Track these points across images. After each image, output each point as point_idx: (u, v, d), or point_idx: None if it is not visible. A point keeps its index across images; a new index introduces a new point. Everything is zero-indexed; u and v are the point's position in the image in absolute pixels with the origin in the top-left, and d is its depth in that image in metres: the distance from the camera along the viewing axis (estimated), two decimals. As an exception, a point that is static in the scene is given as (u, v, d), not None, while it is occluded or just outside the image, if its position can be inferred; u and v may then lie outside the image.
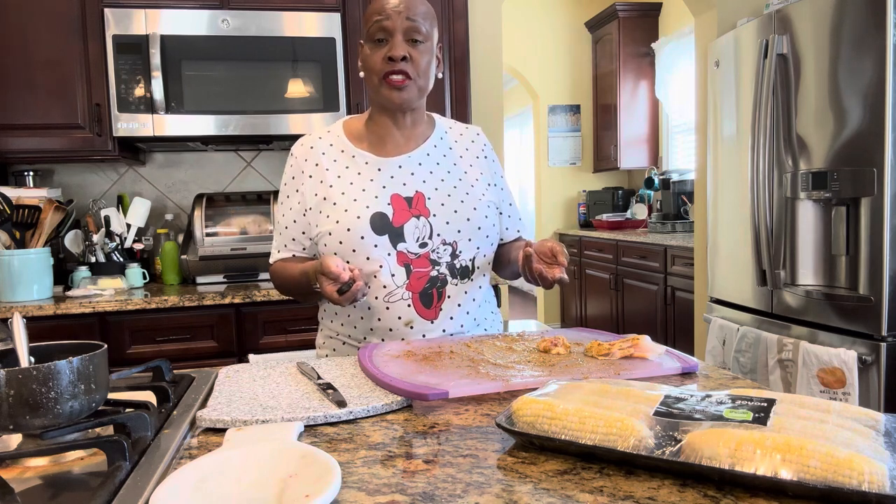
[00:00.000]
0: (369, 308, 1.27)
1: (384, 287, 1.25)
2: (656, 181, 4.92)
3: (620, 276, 4.64)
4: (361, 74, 1.31)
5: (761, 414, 0.66)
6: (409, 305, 1.25)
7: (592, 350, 1.07)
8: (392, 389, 0.91)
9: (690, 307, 3.64)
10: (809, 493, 0.57)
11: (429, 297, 1.26)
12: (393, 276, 1.25)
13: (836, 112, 2.11)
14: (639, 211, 5.21)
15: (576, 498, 0.61)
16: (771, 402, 0.69)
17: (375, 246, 1.24)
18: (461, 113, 2.63)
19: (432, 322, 1.27)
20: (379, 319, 1.27)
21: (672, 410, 0.70)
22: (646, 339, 1.07)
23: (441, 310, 1.27)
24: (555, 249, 1.16)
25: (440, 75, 1.35)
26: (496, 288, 1.73)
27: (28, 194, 2.31)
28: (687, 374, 1.00)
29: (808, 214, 2.27)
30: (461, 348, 1.12)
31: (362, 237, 1.24)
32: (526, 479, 0.65)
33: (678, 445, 0.64)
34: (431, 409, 0.88)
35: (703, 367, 1.05)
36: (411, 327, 1.26)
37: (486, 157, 1.41)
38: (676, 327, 3.91)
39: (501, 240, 1.42)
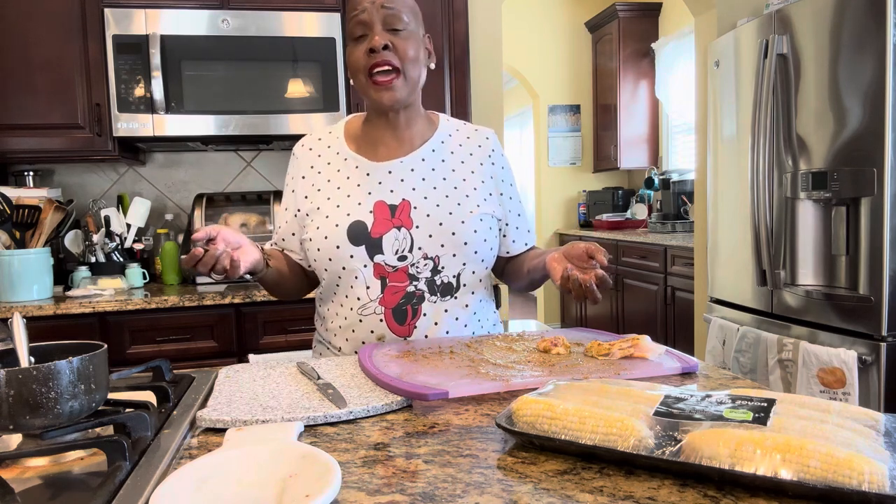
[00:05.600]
0: (346, 318, 1.25)
1: (358, 299, 1.22)
2: (656, 181, 4.92)
3: (620, 276, 4.64)
4: (352, 82, 1.25)
5: (761, 414, 0.66)
6: (381, 320, 1.22)
7: (592, 350, 1.07)
8: (392, 389, 0.91)
9: (690, 307, 3.64)
10: (809, 493, 0.57)
11: (402, 314, 1.22)
12: (368, 288, 1.21)
13: (836, 112, 2.11)
14: (639, 211, 5.21)
15: (576, 498, 0.61)
16: (771, 402, 0.69)
17: (351, 256, 1.20)
18: (461, 113, 2.63)
19: (405, 339, 1.22)
20: (353, 331, 1.24)
21: (672, 410, 0.69)
22: (646, 339, 1.07)
23: (415, 328, 1.22)
24: (590, 250, 1.06)
25: (432, 66, 1.28)
26: (496, 288, 1.72)
27: (28, 194, 2.31)
28: (687, 374, 1.00)
29: (807, 214, 2.27)
30: (461, 348, 1.12)
31: (338, 246, 1.20)
32: (526, 479, 0.65)
33: (678, 445, 0.64)
34: (431, 409, 0.88)
35: (703, 367, 1.05)
36: (384, 342, 1.23)
37: (492, 164, 1.32)
38: (676, 327, 3.91)
39: (507, 253, 1.36)
